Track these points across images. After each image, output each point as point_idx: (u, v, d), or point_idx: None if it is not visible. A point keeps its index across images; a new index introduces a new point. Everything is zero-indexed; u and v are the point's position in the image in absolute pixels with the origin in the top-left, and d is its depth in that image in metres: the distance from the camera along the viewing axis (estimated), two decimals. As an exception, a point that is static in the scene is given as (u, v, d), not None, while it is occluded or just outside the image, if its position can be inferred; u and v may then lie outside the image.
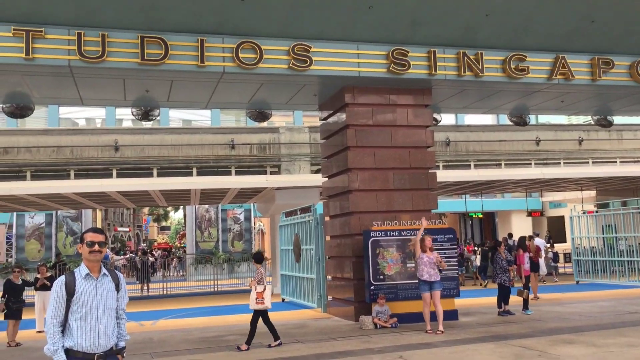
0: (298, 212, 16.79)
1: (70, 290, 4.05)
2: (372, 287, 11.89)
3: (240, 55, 11.50)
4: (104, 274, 4.27)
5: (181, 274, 34.27)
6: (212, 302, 18.53)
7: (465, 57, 12.69)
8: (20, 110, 13.09)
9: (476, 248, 25.19)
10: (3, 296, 11.59)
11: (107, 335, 4.11)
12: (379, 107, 13.14)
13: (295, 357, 8.88)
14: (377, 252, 12.04)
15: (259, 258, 10.75)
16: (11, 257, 29.05)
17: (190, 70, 11.44)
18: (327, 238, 14.60)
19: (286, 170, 24.27)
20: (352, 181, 12.74)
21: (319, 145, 23.61)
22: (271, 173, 24.26)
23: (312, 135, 24.85)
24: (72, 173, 22.47)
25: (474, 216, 35.53)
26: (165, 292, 22.67)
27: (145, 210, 70.22)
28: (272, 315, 14.40)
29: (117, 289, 4.32)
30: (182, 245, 49.94)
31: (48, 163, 22.45)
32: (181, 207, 55.06)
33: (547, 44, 13.09)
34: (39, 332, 12.86)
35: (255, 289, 10.07)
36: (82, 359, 4.00)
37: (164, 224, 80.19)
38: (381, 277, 11.99)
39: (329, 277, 14.45)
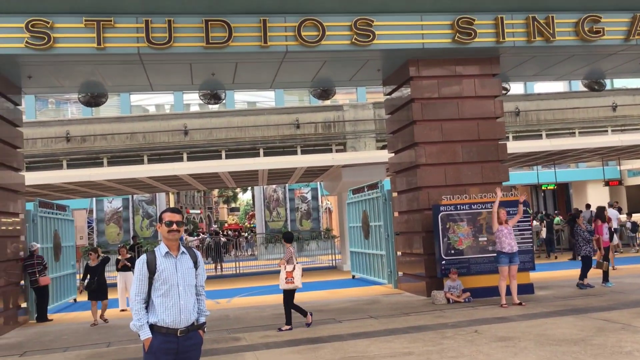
0: (365, 189, 16.76)
1: (152, 268, 4.20)
2: (443, 262, 11.76)
3: (303, 33, 11.48)
4: (183, 252, 4.40)
5: (249, 253, 35.01)
6: (284, 280, 18.81)
7: (535, 22, 12.17)
8: (94, 99, 13.61)
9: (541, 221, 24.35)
10: (83, 278, 12.18)
11: (188, 311, 4.24)
12: (444, 79, 12.84)
13: (369, 332, 8.92)
14: (448, 226, 11.88)
15: (288, 237, 10.46)
16: (93, 240, 30.54)
17: (253, 51, 11.54)
18: (396, 214, 14.52)
19: (352, 148, 24.20)
20: (419, 156, 12.56)
21: (383, 121, 23.40)
22: (337, 151, 24.25)
23: (376, 112, 24.63)
24: (145, 158, 23.25)
25: (547, 188, 34.36)
26: (237, 271, 23.25)
27: (215, 192, 71.92)
28: (344, 292, 14.64)
29: (196, 266, 4.45)
30: (252, 225, 50.96)
31: (123, 149, 23.32)
32: (249, 188, 56.15)
33: (624, 2, 12.37)
34: (122, 310, 13.49)
35: (285, 269, 9.88)
36: (166, 334, 4.15)
37: (233, 205, 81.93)
38: (452, 251, 11.83)
39: (399, 253, 14.39)
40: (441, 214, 11.89)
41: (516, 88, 27.54)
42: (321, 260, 25.60)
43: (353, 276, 18.23)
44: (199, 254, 4.60)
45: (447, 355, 7.06)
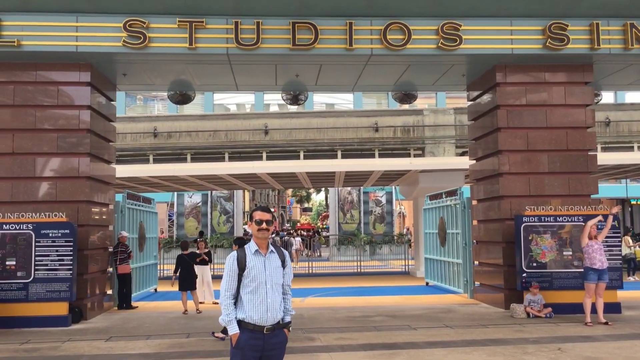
0: (443, 196, 16.48)
1: (241, 265, 4.30)
2: (524, 275, 11.39)
3: (388, 36, 11.44)
4: (272, 250, 4.47)
5: (317, 254, 35.11)
6: (355, 283, 18.85)
7: (634, 29, 11.59)
8: (183, 97, 14.11)
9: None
10: (176, 270, 12.69)
11: (275, 309, 4.31)
12: (532, 86, 12.44)
13: (445, 341, 8.77)
14: (530, 238, 11.50)
15: (240, 243, 9.21)
16: (172, 233, 31.63)
17: (338, 53, 11.60)
18: (474, 222, 14.19)
19: (430, 153, 23.89)
20: (503, 164, 12.23)
21: (464, 127, 23.01)
22: (415, 156, 24.01)
23: (457, 117, 24.20)
24: (226, 155, 23.88)
25: (636, 203, 32.62)
26: (310, 271, 23.44)
27: (289, 191, 72.84)
28: (417, 299, 14.47)
29: (283, 265, 4.52)
30: (324, 226, 51.23)
31: (205, 146, 24.05)
32: (322, 189, 56.48)
33: None
34: (200, 303, 13.89)
35: None
36: (253, 331, 4.23)
37: (306, 205, 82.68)
38: (534, 264, 11.44)
39: (476, 263, 14.06)
40: (524, 224, 11.52)
41: (606, 97, 26.31)
42: (393, 265, 25.41)
43: (427, 283, 17.97)
44: (287, 253, 4.67)
45: (528, 371, 6.83)
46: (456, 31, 11.51)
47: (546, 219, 11.58)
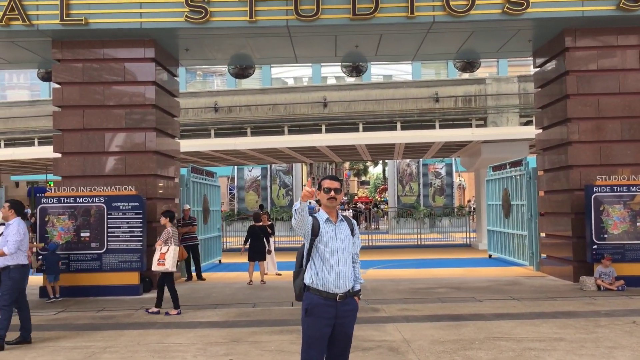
0: (507, 166, 16.07)
1: (315, 231, 4.31)
2: (594, 247, 11.03)
3: (451, 3, 11.11)
4: (341, 219, 4.47)
5: (373, 227, 34.96)
6: (416, 255, 18.73)
7: None
8: (243, 71, 14.20)
9: None
10: (246, 241, 13.00)
11: (347, 277, 4.32)
12: (604, 50, 11.87)
13: (513, 314, 8.62)
14: (601, 208, 11.08)
15: (168, 214, 9.60)
16: (233, 206, 32.25)
17: (399, 22, 11.37)
18: (541, 193, 13.79)
19: (493, 123, 23.25)
20: (572, 132, 11.78)
21: (529, 95, 22.25)
22: (477, 126, 23.41)
23: (521, 85, 23.40)
24: (285, 129, 23.98)
25: None
26: (370, 243, 23.44)
27: (346, 165, 72.79)
28: (480, 271, 14.26)
29: (352, 233, 4.51)
30: (382, 199, 51.01)
31: (265, 120, 24.21)
32: (380, 162, 56.10)
33: None
34: (265, 274, 14.14)
35: (160, 249, 9.32)
36: (326, 299, 4.25)
37: (363, 178, 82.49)
38: (605, 235, 11.05)
39: (543, 234, 13.70)
40: (595, 195, 11.11)
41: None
42: (454, 237, 25.11)
43: (490, 255, 17.67)
44: (354, 222, 4.66)
45: (603, 344, 6.63)
46: (523, -6, 11.06)
47: (618, 188, 11.12)
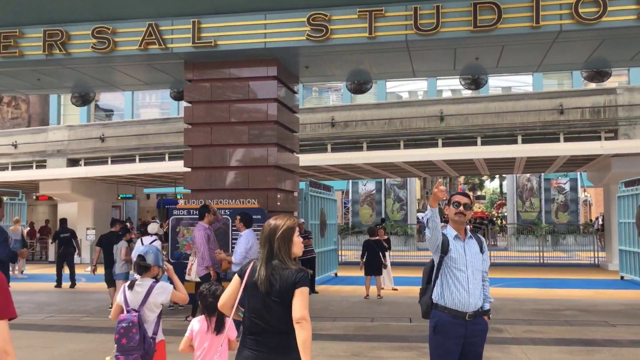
0: (642, 182, 14.97)
1: (444, 248, 4.27)
2: None
3: (580, 10, 10.56)
4: (470, 236, 4.39)
5: (491, 243, 33.73)
6: (538, 274, 17.88)
7: None
8: (360, 86, 14.36)
9: None
10: (362, 255, 13.11)
11: (476, 296, 4.23)
12: None
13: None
14: None
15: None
16: (348, 220, 32.51)
17: (523, 32, 10.97)
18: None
19: (624, 135, 21.73)
20: None
21: (666, 105, 20.63)
22: (606, 139, 22.01)
23: (657, 95, 21.76)
24: (401, 143, 23.91)
25: None
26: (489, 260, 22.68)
27: (461, 179, 71.07)
28: (612, 293, 13.35)
29: (481, 251, 4.41)
30: (500, 215, 49.24)
31: (381, 134, 24.28)
32: (497, 176, 54.20)
33: None
34: (382, 288, 14.12)
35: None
36: (455, 317, 4.19)
37: (478, 193, 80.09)
38: None
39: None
40: None
41: None
42: (580, 256, 23.68)
43: (622, 277, 16.48)
44: (483, 239, 4.56)
45: None
46: (662, -2, 10.30)
47: None
